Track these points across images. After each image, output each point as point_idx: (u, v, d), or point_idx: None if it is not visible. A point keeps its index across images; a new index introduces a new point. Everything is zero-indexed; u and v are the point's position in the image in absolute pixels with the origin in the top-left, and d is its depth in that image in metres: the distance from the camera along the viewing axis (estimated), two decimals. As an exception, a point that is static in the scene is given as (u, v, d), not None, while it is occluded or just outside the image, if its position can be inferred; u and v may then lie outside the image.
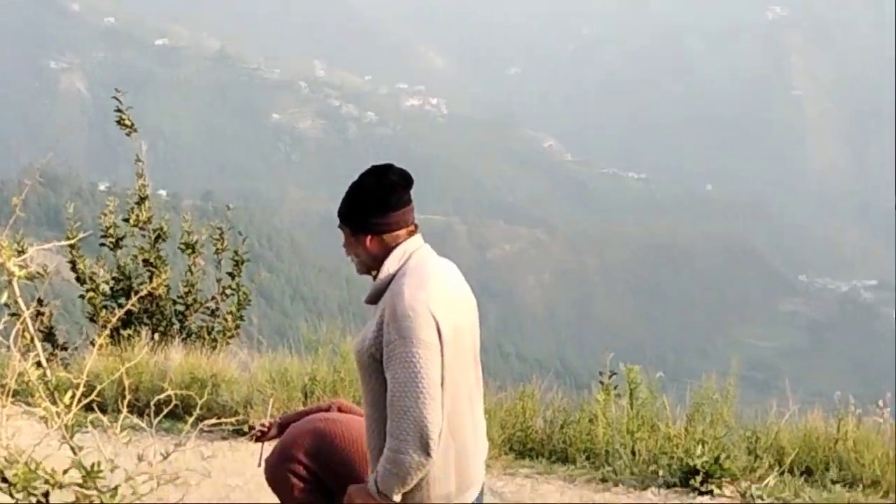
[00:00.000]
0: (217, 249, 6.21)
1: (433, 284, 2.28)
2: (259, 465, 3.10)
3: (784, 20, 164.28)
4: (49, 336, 5.63)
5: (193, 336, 5.90)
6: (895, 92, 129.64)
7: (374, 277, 2.35)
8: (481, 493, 2.45)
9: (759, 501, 4.03)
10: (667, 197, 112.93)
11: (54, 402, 2.73)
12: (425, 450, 2.17)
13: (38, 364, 2.99)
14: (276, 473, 2.94)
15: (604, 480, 4.23)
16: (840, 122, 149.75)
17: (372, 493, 2.26)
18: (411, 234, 2.35)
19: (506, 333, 61.03)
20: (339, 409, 3.23)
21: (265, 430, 3.26)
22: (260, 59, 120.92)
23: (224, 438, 4.65)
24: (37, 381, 2.77)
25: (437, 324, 2.21)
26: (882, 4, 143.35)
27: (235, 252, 6.24)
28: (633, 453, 4.31)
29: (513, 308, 75.04)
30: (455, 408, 2.27)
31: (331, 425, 2.99)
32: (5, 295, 2.98)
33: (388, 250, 2.33)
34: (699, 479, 4.06)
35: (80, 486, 2.53)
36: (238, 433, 4.55)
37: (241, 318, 6.00)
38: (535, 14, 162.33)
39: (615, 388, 4.59)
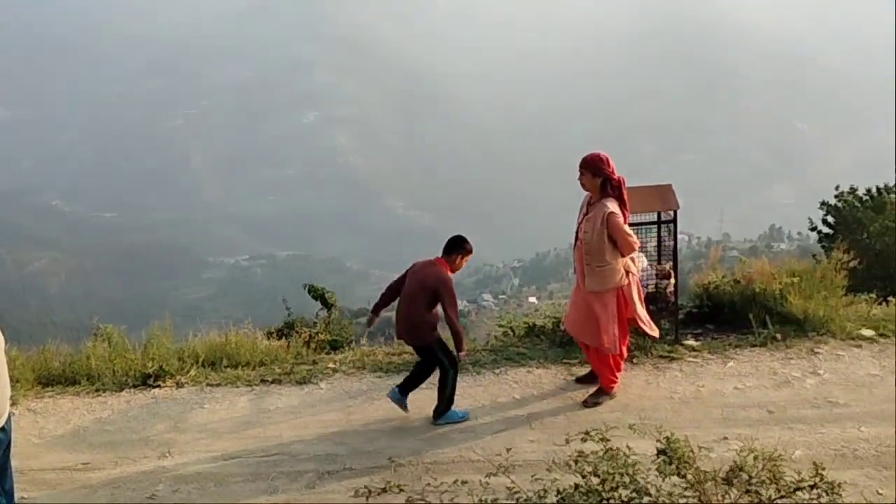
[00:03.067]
0: None
1: None
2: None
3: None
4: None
5: None
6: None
7: None
8: (9, 416, 3.96)
9: (187, 385, 7.35)
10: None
11: None
12: None
13: None
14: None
15: (97, 390, 7.09)
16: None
17: None
18: None
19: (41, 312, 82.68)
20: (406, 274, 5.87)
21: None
22: None
23: None
24: None
25: None
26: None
27: None
28: (114, 372, 7.37)
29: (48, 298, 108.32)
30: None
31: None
32: None
33: None
34: (152, 379, 7.24)
35: None
36: None
37: None
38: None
39: (103, 338, 7.66)
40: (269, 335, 8.52)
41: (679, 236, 7.30)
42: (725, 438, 5.07)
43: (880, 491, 4.24)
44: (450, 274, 5.78)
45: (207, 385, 7.07)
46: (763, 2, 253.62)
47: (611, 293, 5.76)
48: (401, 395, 5.98)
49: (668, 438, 2.54)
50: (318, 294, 9.71)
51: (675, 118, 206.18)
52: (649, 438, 2.90)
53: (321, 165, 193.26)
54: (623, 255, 5.68)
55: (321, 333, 8.47)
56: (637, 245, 5.71)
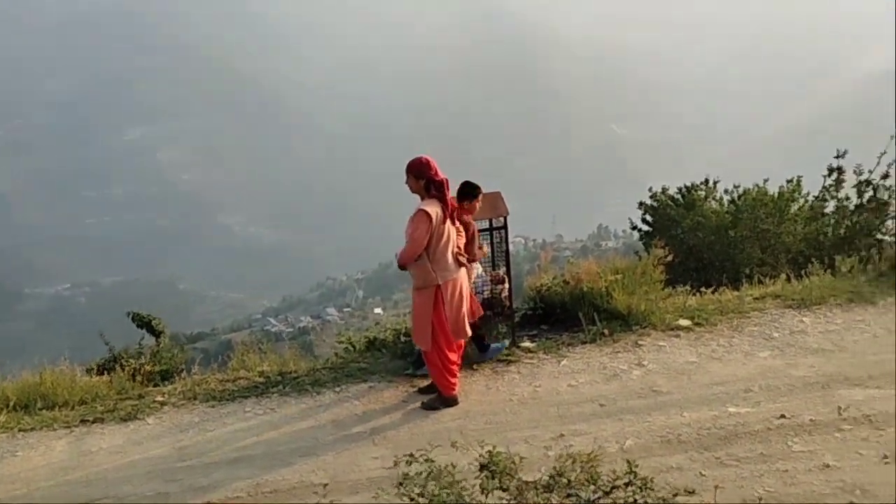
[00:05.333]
0: None
1: None
2: None
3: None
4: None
5: None
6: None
7: None
8: None
9: (-3, 431, 6.65)
10: None
11: None
12: None
13: None
14: None
15: None
16: None
17: None
18: None
19: None
20: None
21: None
22: None
23: None
24: None
25: None
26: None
27: None
28: None
29: None
30: None
31: None
32: None
33: None
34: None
35: None
36: None
37: None
38: None
39: None
40: (89, 371, 7.90)
41: (515, 240, 7.50)
42: (562, 435, 5.21)
43: (703, 472, 4.49)
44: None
45: (20, 430, 6.56)
46: (583, 15, 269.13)
47: (424, 291, 5.85)
48: (482, 351, 6.85)
49: (490, 452, 2.55)
50: (143, 322, 9.15)
51: (509, 125, 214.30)
52: (473, 452, 2.91)
53: (150, 183, 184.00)
54: (403, 258, 5.75)
55: (148, 365, 7.97)
56: (409, 254, 5.71)
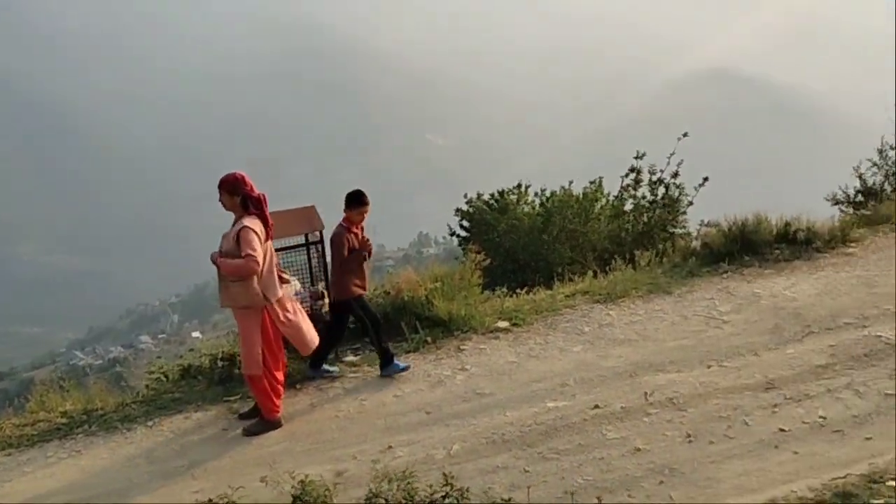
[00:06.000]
0: None
1: None
2: None
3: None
4: None
5: None
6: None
7: None
8: None
9: None
10: None
11: None
12: None
13: None
14: None
15: None
16: None
17: None
18: None
19: None
20: None
21: None
22: None
23: None
24: None
25: None
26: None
27: None
28: None
29: None
30: None
31: None
32: None
33: None
34: None
35: None
36: None
37: None
38: None
39: None
40: None
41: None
42: (390, 447, 5.17)
43: (527, 469, 4.61)
44: (351, 230, 6.48)
45: None
46: (395, 27, 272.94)
47: (251, 312, 5.63)
48: (314, 369, 6.62)
49: (302, 482, 2.44)
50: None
51: (325, 138, 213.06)
52: (286, 485, 2.77)
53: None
54: (244, 272, 5.47)
55: (-68, 417, 7.04)
56: (253, 269, 5.45)
